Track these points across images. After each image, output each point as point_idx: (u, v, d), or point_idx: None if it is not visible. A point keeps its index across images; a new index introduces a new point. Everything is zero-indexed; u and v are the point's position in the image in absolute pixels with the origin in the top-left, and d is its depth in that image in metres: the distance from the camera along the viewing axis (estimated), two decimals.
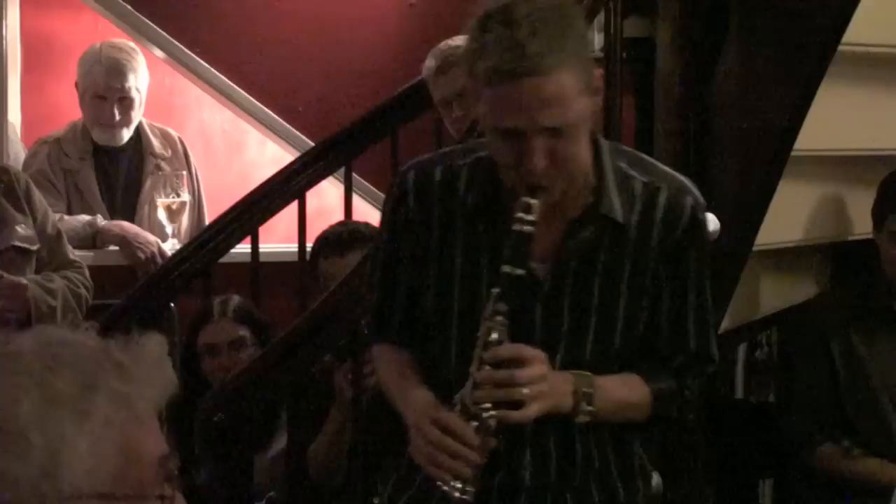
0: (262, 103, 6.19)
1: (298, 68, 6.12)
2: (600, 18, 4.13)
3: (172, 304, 4.75)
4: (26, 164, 5.37)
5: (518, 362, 2.67)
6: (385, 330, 3.01)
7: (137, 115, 5.44)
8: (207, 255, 4.56)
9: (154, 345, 1.78)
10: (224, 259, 4.54)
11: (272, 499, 4.09)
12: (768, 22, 3.93)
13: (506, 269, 2.66)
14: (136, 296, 4.67)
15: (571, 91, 2.58)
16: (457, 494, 2.67)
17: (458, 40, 4.86)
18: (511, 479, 2.86)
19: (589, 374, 2.78)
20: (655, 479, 3.34)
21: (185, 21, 6.10)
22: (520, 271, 2.66)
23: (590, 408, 2.76)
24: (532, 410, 2.68)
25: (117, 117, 5.35)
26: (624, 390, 2.86)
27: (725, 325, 4.17)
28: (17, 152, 5.81)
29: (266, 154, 6.34)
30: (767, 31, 3.93)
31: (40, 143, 5.54)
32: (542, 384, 2.68)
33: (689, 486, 4.15)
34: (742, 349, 5.27)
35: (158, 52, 6.09)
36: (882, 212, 4.06)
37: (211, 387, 4.26)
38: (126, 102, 5.35)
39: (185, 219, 5.52)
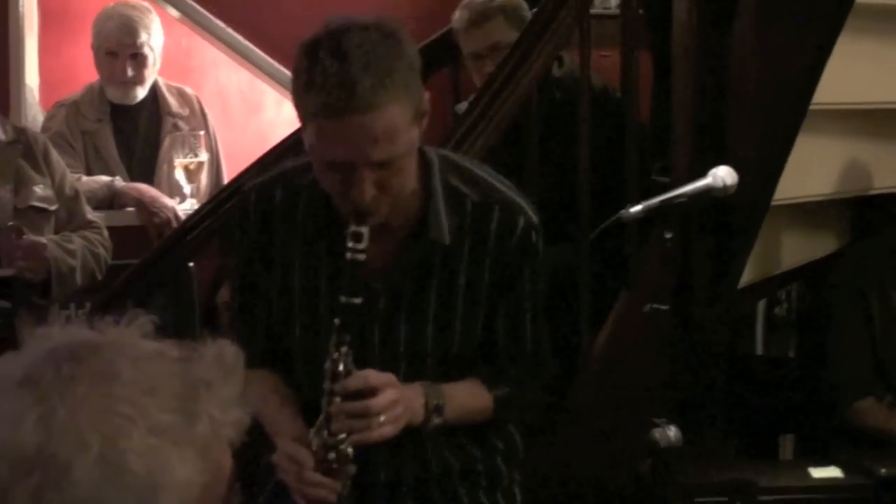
0: (279, 63, 6.19)
1: (316, 27, 6.10)
2: None
3: (191, 264, 4.76)
4: (44, 127, 5.38)
5: (369, 392, 2.68)
6: (249, 352, 2.97)
7: (152, 74, 5.44)
8: (225, 214, 4.56)
9: (231, 355, 1.79)
10: None
11: None
12: None
13: (343, 299, 2.66)
14: (155, 256, 4.68)
15: (401, 124, 2.57)
16: None
17: None
18: (365, 479, 2.88)
19: (438, 385, 2.82)
20: (674, 431, 3.36)
21: None
22: (356, 300, 2.66)
23: (439, 419, 2.81)
24: (388, 431, 2.71)
25: (130, 74, 5.36)
26: (469, 399, 2.91)
27: (746, 278, 4.20)
28: (35, 115, 5.83)
29: (283, 114, 6.33)
30: None
31: (58, 106, 5.56)
32: (397, 408, 2.71)
33: (710, 439, 4.17)
34: (761, 306, 5.27)
35: (174, 12, 6.10)
36: None
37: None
38: (139, 59, 5.36)
39: (203, 178, 5.53)
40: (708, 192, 3.43)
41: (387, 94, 2.51)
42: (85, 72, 5.77)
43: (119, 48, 5.34)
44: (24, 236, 3.98)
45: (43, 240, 4.05)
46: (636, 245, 4.11)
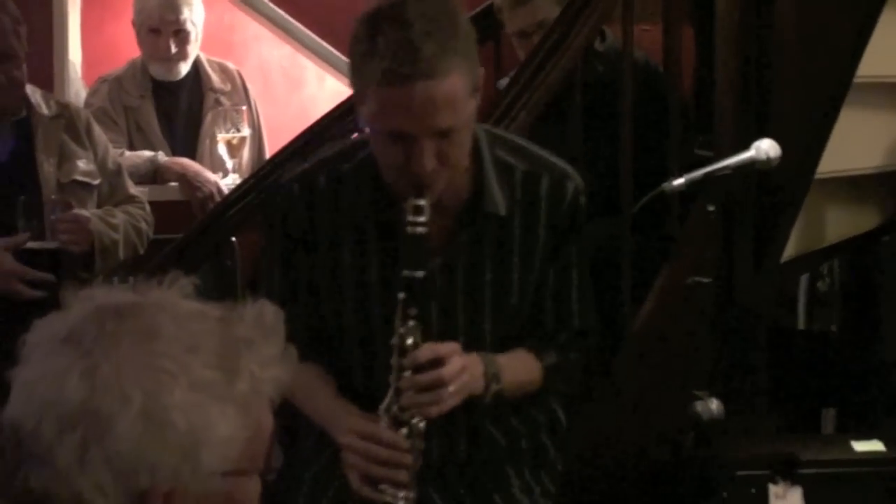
0: (321, 38, 6.22)
1: (357, 2, 6.11)
2: None
3: (234, 238, 4.78)
4: (87, 103, 5.41)
5: (438, 362, 2.68)
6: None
7: (194, 50, 5.47)
8: (269, 188, 4.57)
9: (271, 315, 1.82)
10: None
11: None
12: None
13: (406, 273, 2.66)
14: (198, 230, 4.69)
15: (462, 93, 2.60)
16: (402, 503, 2.69)
17: None
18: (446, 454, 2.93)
19: (492, 355, 2.84)
20: (716, 404, 3.37)
21: None
22: (420, 274, 2.66)
23: (497, 387, 2.82)
24: (457, 401, 2.72)
25: (173, 50, 5.39)
26: (522, 368, 2.93)
27: (789, 252, 4.19)
28: (78, 90, 5.86)
29: (325, 89, 6.36)
30: None
31: (101, 82, 5.58)
32: (465, 374, 2.72)
33: (752, 413, 4.16)
34: (804, 280, 5.25)
35: None
36: None
37: None
38: (181, 35, 5.38)
39: (245, 153, 5.55)
40: (751, 164, 3.42)
41: (448, 61, 2.54)
42: (127, 48, 5.79)
43: (162, 25, 5.36)
44: (68, 211, 4.01)
45: (86, 213, 4.07)
46: (678, 218, 4.10)
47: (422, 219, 2.64)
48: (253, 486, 1.79)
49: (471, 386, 2.75)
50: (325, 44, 6.21)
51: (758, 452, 3.69)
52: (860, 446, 3.74)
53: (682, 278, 3.83)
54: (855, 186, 4.51)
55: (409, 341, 2.67)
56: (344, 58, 6.12)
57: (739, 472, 3.62)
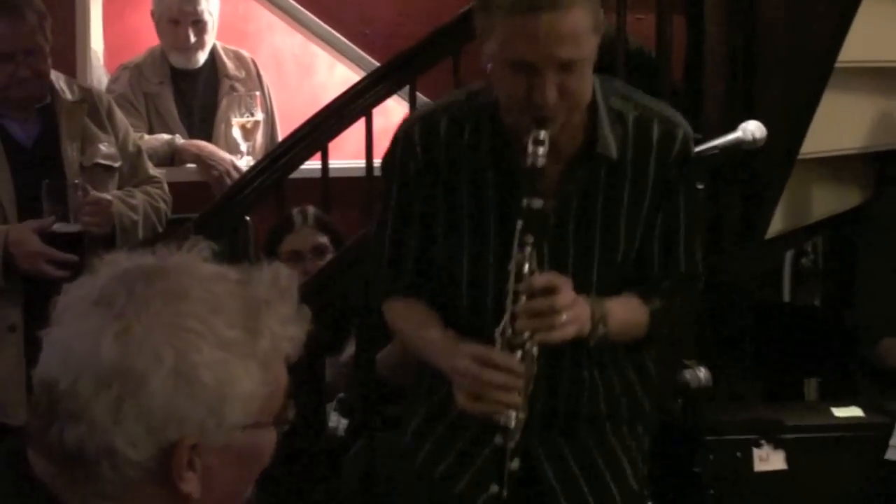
0: (331, 27, 6.22)
1: None
2: None
3: (248, 217, 4.79)
4: (109, 89, 5.41)
5: (552, 290, 2.66)
6: (398, 281, 2.98)
7: (211, 38, 5.47)
8: (280, 170, 4.58)
9: (286, 278, 1.82)
10: (295, 174, 4.56)
11: (342, 399, 4.14)
12: None
13: (525, 201, 2.65)
14: (214, 209, 4.70)
15: (585, 27, 2.59)
16: (513, 424, 2.68)
17: None
18: (550, 406, 2.91)
19: (600, 298, 2.81)
20: (704, 373, 3.38)
21: None
22: (538, 203, 2.65)
23: (604, 329, 2.79)
24: (570, 332, 2.69)
25: (192, 40, 5.40)
26: (628, 312, 2.89)
27: (775, 229, 4.20)
28: (100, 77, 5.86)
29: (335, 76, 6.36)
30: None
31: (122, 69, 5.59)
32: (577, 307, 2.70)
33: (738, 381, 4.18)
34: (789, 256, 5.26)
35: None
36: None
37: None
38: (200, 26, 5.39)
39: (259, 136, 5.56)
40: (738, 145, 3.43)
41: None
42: (146, 36, 5.80)
43: (181, 16, 5.37)
44: (91, 193, 4.02)
45: (108, 196, 4.08)
46: None
47: (542, 150, 2.63)
48: (269, 437, 1.81)
49: (581, 321, 2.73)
50: (335, 32, 6.21)
51: (743, 418, 3.69)
52: (840, 412, 3.75)
53: None
54: (837, 166, 4.52)
55: (526, 268, 2.66)
56: (354, 46, 6.18)
57: (726, 437, 3.63)
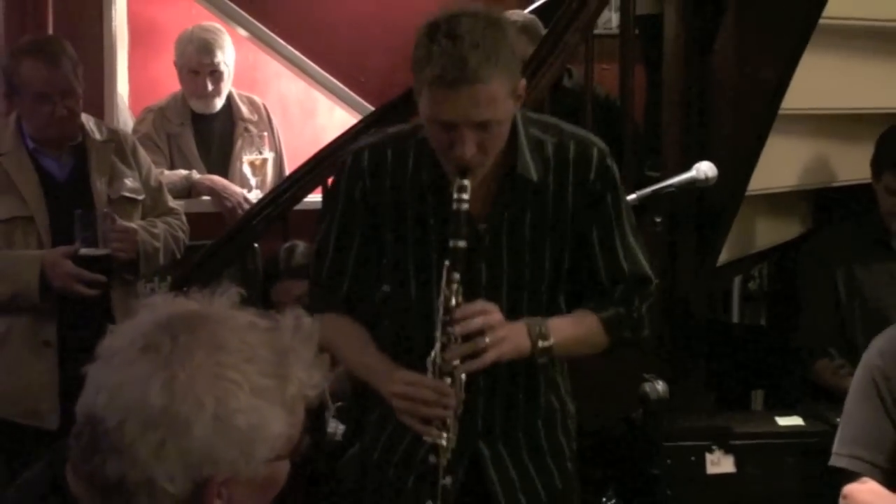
0: (331, 75, 6.22)
1: (362, 45, 6.13)
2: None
3: (256, 244, 4.79)
4: (135, 129, 5.40)
5: (482, 326, 2.67)
6: (334, 298, 2.95)
7: (227, 86, 5.47)
8: (285, 202, 4.59)
9: (307, 325, 1.83)
10: (299, 206, 4.57)
11: (340, 407, 4.12)
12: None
13: (451, 243, 2.67)
14: (226, 237, 4.70)
15: (501, 94, 2.61)
16: (444, 442, 2.69)
17: (512, 14, 4.87)
18: (466, 427, 2.86)
19: (539, 318, 2.80)
20: (661, 385, 3.38)
21: (265, 4, 6.13)
22: (462, 244, 2.66)
23: (546, 344, 2.78)
24: (496, 354, 2.69)
25: (210, 88, 5.39)
26: (574, 325, 2.87)
27: (724, 257, 4.20)
28: (126, 119, 5.85)
29: (335, 118, 6.36)
30: (759, 6, 3.92)
31: (146, 112, 5.58)
32: (501, 330, 2.69)
33: (692, 392, 4.18)
34: (737, 281, 5.27)
35: (243, 32, 6.12)
36: (879, 167, 4.06)
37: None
38: (216, 75, 5.38)
39: (268, 172, 5.55)
40: (692, 183, 3.44)
41: (490, 69, 2.57)
42: (168, 82, 5.79)
43: (200, 67, 5.37)
44: (117, 222, 4.01)
45: (133, 225, 4.06)
46: None
47: (465, 196, 2.66)
48: (285, 467, 1.82)
49: (513, 342, 2.73)
50: (334, 80, 6.22)
51: (697, 426, 3.69)
52: (783, 421, 3.74)
53: None
54: (780, 202, 4.53)
55: (453, 301, 2.66)
56: (351, 92, 6.18)
57: (681, 443, 3.62)
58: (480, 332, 2.66)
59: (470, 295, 2.72)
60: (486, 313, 2.69)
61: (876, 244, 4.18)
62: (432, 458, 2.71)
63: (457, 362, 2.66)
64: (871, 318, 4.08)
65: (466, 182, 2.66)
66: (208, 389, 1.70)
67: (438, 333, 2.68)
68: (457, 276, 2.66)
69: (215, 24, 5.57)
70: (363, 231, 2.89)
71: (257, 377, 1.73)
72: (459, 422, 2.72)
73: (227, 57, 5.42)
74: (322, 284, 2.97)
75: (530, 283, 2.86)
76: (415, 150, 2.83)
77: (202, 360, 1.71)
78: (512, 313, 2.79)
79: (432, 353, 2.69)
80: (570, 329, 2.85)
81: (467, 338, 2.66)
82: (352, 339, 2.92)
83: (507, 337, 2.71)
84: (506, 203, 2.81)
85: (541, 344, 2.77)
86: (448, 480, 2.73)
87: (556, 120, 2.96)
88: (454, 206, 2.66)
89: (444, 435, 2.69)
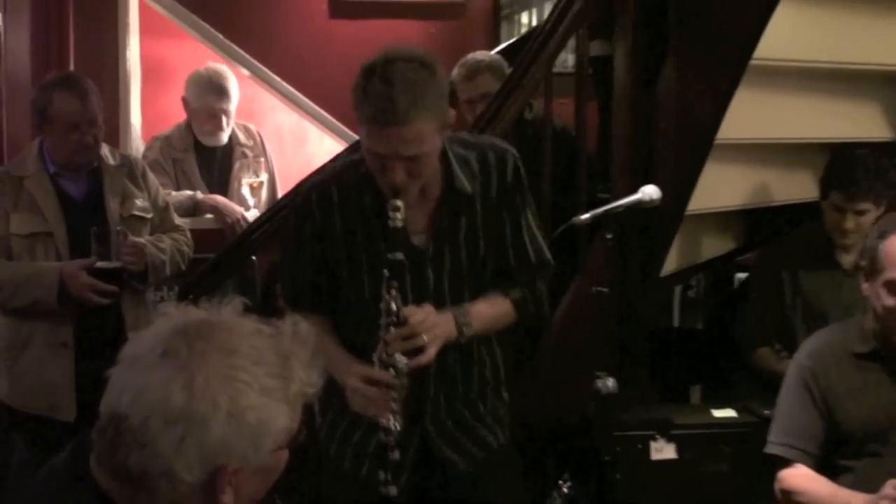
0: (321, 107, 6.21)
1: (349, 80, 6.10)
2: (572, 42, 4.13)
3: (254, 257, 4.77)
4: (144, 155, 5.39)
5: (416, 328, 2.74)
6: (299, 301, 3.03)
7: (231, 122, 5.48)
8: (279, 220, 4.56)
9: (304, 330, 1.86)
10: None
11: None
12: (697, 43, 3.93)
13: (389, 256, 2.73)
14: (227, 251, 4.69)
15: (427, 133, 2.66)
16: (393, 426, 2.76)
17: (480, 55, 4.90)
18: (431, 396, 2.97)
19: (462, 306, 2.89)
20: (612, 382, 3.37)
21: (263, 45, 6.12)
22: (399, 256, 2.73)
23: (470, 329, 2.87)
24: (432, 352, 2.77)
25: (223, 126, 5.43)
26: (489, 308, 2.96)
27: (668, 269, 4.21)
28: (138, 146, 5.84)
29: (324, 146, 6.36)
30: (696, 50, 3.93)
31: (154, 140, 5.58)
32: (435, 329, 2.77)
33: (639, 388, 4.17)
34: (678, 290, 5.27)
35: (244, 70, 6.12)
36: (827, 186, 4.07)
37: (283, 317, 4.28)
38: (227, 117, 5.42)
39: (263, 193, 5.56)
40: (638, 204, 3.43)
41: (418, 112, 2.61)
42: (174, 113, 5.78)
43: (216, 112, 5.41)
44: (128, 238, 4.00)
45: (143, 240, 4.07)
46: (586, 243, 4.10)
47: (399, 215, 2.72)
48: (286, 455, 1.84)
49: (445, 334, 2.81)
50: (323, 112, 6.21)
51: (643, 418, 3.71)
52: (718, 413, 3.78)
53: (588, 288, 3.83)
54: (716, 220, 4.53)
55: (393, 306, 2.72)
56: (338, 123, 6.17)
57: (629, 432, 3.64)
58: (418, 334, 2.73)
59: (419, 296, 2.82)
60: (420, 315, 2.76)
61: (820, 254, 4.19)
62: (382, 437, 2.78)
63: (402, 358, 2.73)
64: (811, 318, 4.09)
65: (399, 203, 2.72)
66: (223, 389, 1.72)
67: (382, 333, 2.74)
68: (395, 283, 2.73)
69: (224, 68, 5.56)
70: (313, 256, 2.95)
71: (265, 378, 1.76)
72: (405, 405, 2.78)
73: (233, 99, 5.44)
74: (291, 294, 3.07)
75: (469, 280, 2.93)
76: (357, 179, 2.87)
77: (216, 364, 1.73)
78: (457, 304, 2.89)
79: (378, 350, 2.75)
80: (487, 312, 2.94)
81: (408, 337, 2.74)
82: (318, 336, 2.94)
83: (440, 334, 2.79)
84: (444, 216, 2.88)
85: (465, 330, 2.87)
86: (396, 455, 2.79)
87: (470, 135, 3.12)
88: (390, 223, 2.72)
89: (391, 417, 2.75)
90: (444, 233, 2.89)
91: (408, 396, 2.80)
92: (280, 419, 1.77)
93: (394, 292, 2.72)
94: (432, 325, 2.76)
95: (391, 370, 2.73)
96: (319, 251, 2.93)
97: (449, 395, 2.99)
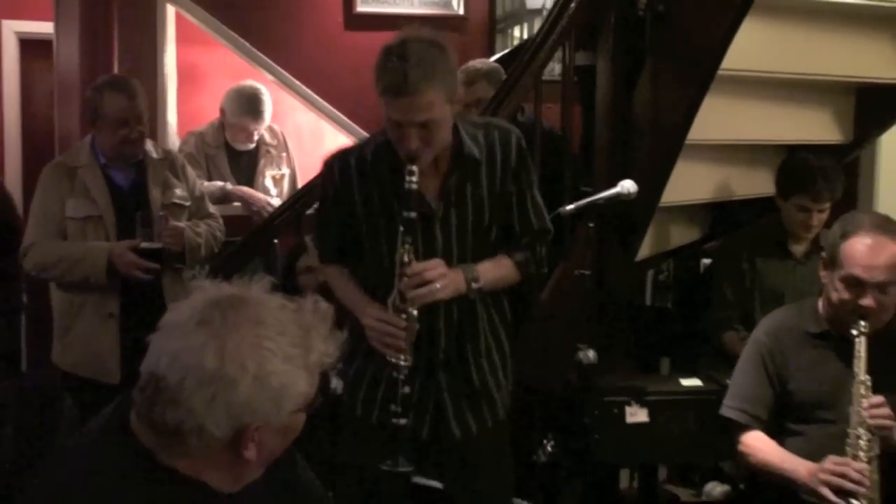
0: (336, 108, 6.21)
1: (361, 84, 6.10)
2: (559, 53, 4.15)
3: (276, 241, 4.80)
4: (180, 149, 5.41)
5: (425, 274, 2.80)
6: (329, 255, 3.10)
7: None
8: (299, 208, 4.59)
9: (323, 306, 1.88)
10: (309, 211, 4.57)
11: (340, 368, 4.11)
12: (670, 56, 3.92)
13: (404, 214, 2.77)
14: (252, 235, 4.71)
15: (438, 100, 2.71)
16: (402, 363, 2.81)
17: (479, 63, 4.88)
18: (428, 359, 2.98)
19: (471, 264, 2.93)
20: (592, 353, 3.39)
21: (286, 53, 6.12)
22: (412, 214, 2.77)
23: (477, 285, 2.91)
24: (446, 293, 2.83)
25: (255, 137, 5.50)
26: (496, 268, 2.99)
27: (641, 254, 4.20)
28: (174, 141, 5.86)
29: (338, 142, 6.35)
30: (669, 61, 3.93)
31: (189, 135, 5.59)
32: (444, 278, 2.82)
33: (615, 359, 4.19)
34: (651, 273, 5.29)
35: (268, 75, 6.11)
36: (788, 189, 4.13)
37: (303, 293, 4.31)
38: (258, 133, 5.55)
39: (285, 184, 5.58)
40: (617, 196, 3.45)
41: (427, 83, 2.67)
42: (208, 112, 5.80)
43: (249, 130, 5.50)
44: (169, 222, 4.03)
45: (182, 224, 4.09)
46: (570, 231, 4.11)
47: (414, 178, 2.76)
48: (303, 417, 1.85)
49: (454, 285, 2.86)
50: (338, 113, 6.22)
51: (618, 385, 3.69)
52: (685, 382, 3.75)
53: (572, 270, 3.85)
54: (685, 212, 4.56)
55: (406, 259, 2.78)
56: (351, 122, 6.19)
57: (606, 398, 3.63)
58: (427, 280, 2.78)
59: (429, 254, 2.86)
60: (432, 267, 2.81)
61: (775, 244, 4.24)
62: (394, 373, 2.82)
63: (412, 294, 2.78)
64: (768, 301, 4.13)
65: (414, 167, 2.76)
66: (250, 356, 1.73)
67: (396, 281, 2.80)
68: (409, 238, 2.77)
69: (262, 88, 5.62)
70: (338, 215, 3.00)
71: (288, 347, 1.76)
72: (415, 347, 2.83)
73: (268, 119, 5.51)
74: (321, 248, 3.13)
75: (474, 241, 2.95)
76: (374, 149, 2.92)
77: (246, 333, 1.74)
78: (462, 261, 2.92)
79: (392, 296, 2.82)
80: (493, 271, 2.97)
81: (420, 285, 2.79)
82: (344, 282, 3.06)
83: (449, 281, 2.84)
84: (453, 182, 2.91)
85: (473, 285, 2.90)
86: (406, 389, 2.83)
87: (479, 118, 3.15)
88: (406, 185, 2.76)
89: (401, 357, 2.80)
90: (453, 196, 2.92)
91: (420, 346, 2.85)
92: (300, 384, 1.78)
93: (407, 246, 2.77)
94: (441, 274, 2.81)
95: (403, 315, 2.79)
96: (342, 212, 2.98)
97: (459, 353, 3.01)
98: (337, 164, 2.98)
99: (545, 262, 3.12)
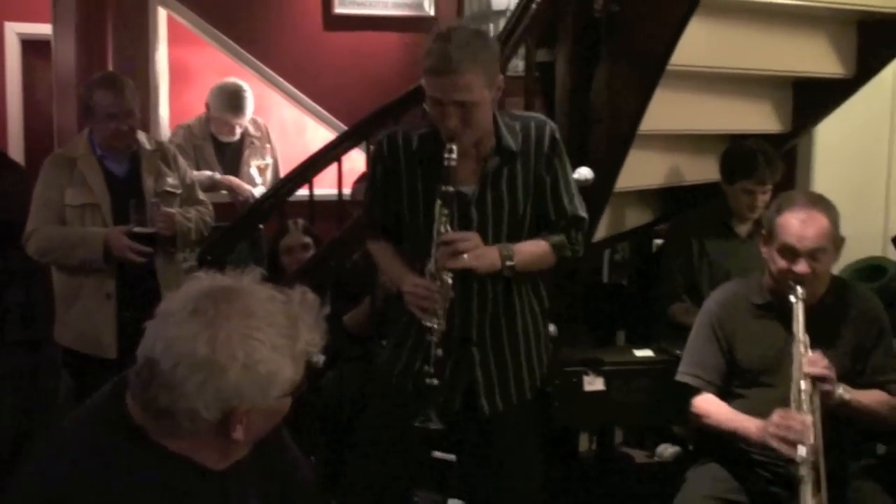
0: (317, 103, 6.19)
1: (341, 81, 6.10)
2: (522, 50, 4.14)
3: (261, 226, 4.78)
4: (170, 140, 5.38)
5: (459, 240, 2.78)
6: (375, 229, 3.08)
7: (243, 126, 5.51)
8: (282, 195, 4.56)
9: (310, 298, 1.85)
10: (292, 198, 4.55)
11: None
12: (624, 51, 3.92)
13: (442, 188, 2.76)
14: (239, 220, 4.68)
15: (477, 83, 2.69)
16: (435, 326, 2.78)
17: None
18: (462, 337, 2.96)
19: (508, 244, 2.90)
20: (552, 327, 3.39)
21: (269, 52, 6.09)
22: (450, 189, 2.75)
23: (511, 262, 2.88)
24: (480, 264, 2.80)
25: (238, 131, 5.47)
26: (531, 249, 2.96)
27: (598, 236, 4.19)
28: (165, 133, 5.83)
29: (318, 135, 6.33)
30: (622, 58, 3.93)
31: (178, 128, 5.57)
32: (477, 249, 2.80)
33: (575, 332, 4.19)
34: (607, 253, 5.30)
35: (253, 72, 6.08)
36: (733, 174, 4.14)
37: (285, 274, 4.30)
38: (240, 126, 5.54)
39: (269, 173, 5.57)
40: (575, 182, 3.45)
41: (468, 65, 2.67)
42: (196, 107, 5.77)
43: (231, 124, 5.49)
44: (161, 208, 4.00)
45: (173, 210, 4.06)
46: None
47: (453, 156, 2.74)
48: (289, 401, 1.84)
49: (487, 259, 2.83)
50: (319, 107, 6.19)
51: (577, 356, 3.69)
52: (639, 353, 3.75)
53: None
54: (638, 196, 4.57)
55: (442, 229, 2.77)
56: (331, 116, 6.16)
57: (566, 368, 3.63)
58: (462, 251, 2.77)
59: (464, 231, 2.83)
60: (465, 237, 2.80)
61: (720, 225, 4.27)
62: (428, 336, 2.80)
63: (444, 260, 2.76)
64: (714, 276, 4.15)
65: (454, 146, 2.74)
66: (240, 345, 1.72)
67: (433, 250, 2.78)
68: (446, 211, 2.77)
69: (244, 85, 5.59)
70: (385, 191, 2.98)
71: (276, 337, 1.75)
72: (449, 315, 2.81)
73: (250, 113, 5.49)
74: (369, 221, 3.10)
75: (508, 225, 2.93)
76: (418, 135, 2.92)
77: (237, 324, 1.73)
78: (496, 241, 2.89)
79: (429, 264, 2.80)
80: (528, 251, 2.94)
81: (454, 253, 2.77)
82: (389, 256, 3.04)
83: (484, 254, 2.82)
84: (490, 167, 2.88)
85: (507, 262, 2.87)
86: (439, 352, 2.80)
87: (518, 111, 3.15)
88: (445, 162, 2.74)
89: (435, 322, 2.78)
90: (489, 180, 2.89)
91: (454, 322, 2.84)
92: (286, 371, 1.77)
93: (444, 218, 2.76)
94: (476, 244, 2.80)
95: (438, 282, 2.77)
96: (389, 188, 2.97)
97: (494, 328, 2.99)
98: (386, 142, 2.97)
99: (581, 246, 3.08)
